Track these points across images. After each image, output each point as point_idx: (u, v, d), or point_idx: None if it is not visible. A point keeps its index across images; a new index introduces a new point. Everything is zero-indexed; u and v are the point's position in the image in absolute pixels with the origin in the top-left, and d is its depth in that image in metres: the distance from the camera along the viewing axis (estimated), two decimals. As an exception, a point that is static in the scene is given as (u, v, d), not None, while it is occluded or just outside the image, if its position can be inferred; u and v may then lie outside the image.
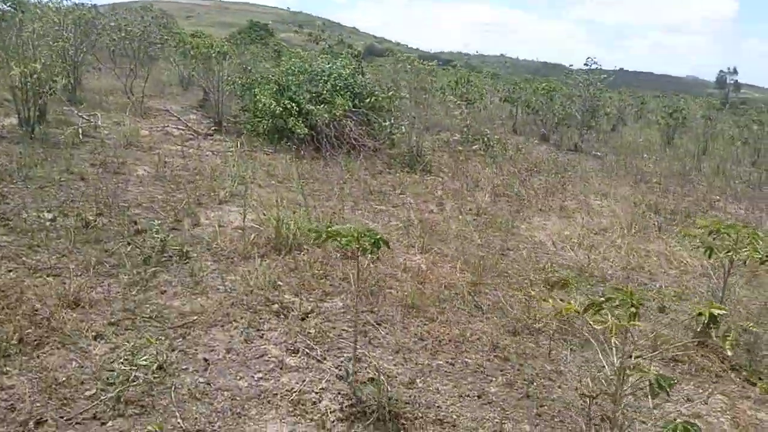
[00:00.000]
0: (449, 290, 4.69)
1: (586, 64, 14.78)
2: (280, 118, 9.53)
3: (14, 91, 7.69)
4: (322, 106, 9.61)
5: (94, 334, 3.45)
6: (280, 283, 4.44)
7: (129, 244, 4.78)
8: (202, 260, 4.68)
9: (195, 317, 3.81)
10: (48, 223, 5.01)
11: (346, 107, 9.70)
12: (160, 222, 5.31)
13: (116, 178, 6.62)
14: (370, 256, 3.42)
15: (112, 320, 3.64)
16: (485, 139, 11.11)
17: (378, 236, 2.88)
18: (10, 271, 4.09)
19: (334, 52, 18.19)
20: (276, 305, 4.08)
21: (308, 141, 9.61)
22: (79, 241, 4.74)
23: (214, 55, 10.65)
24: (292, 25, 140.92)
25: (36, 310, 3.58)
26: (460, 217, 6.81)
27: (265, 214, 5.63)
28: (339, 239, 2.86)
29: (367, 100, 10.05)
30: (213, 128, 10.11)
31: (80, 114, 9.17)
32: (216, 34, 21.55)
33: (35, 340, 3.30)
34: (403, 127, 9.61)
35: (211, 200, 6.25)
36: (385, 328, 4.00)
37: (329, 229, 2.93)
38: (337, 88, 10.11)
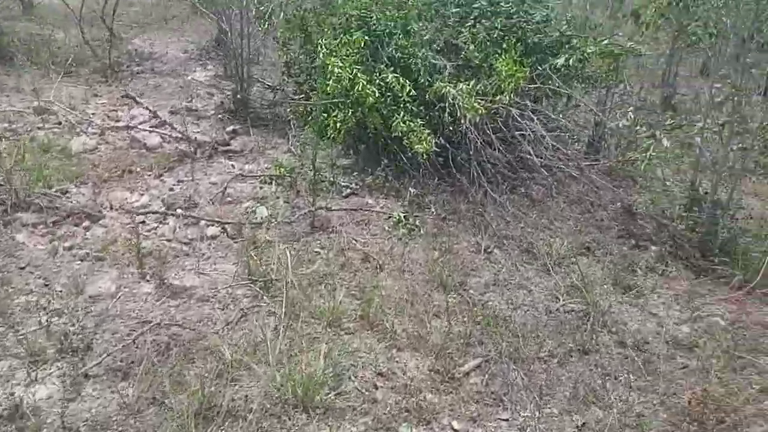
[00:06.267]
0: None
1: None
2: (373, 109, 4.19)
3: None
4: (463, 84, 4.13)
5: None
6: None
7: None
8: None
9: None
10: None
11: (521, 81, 4.18)
12: None
13: None
14: None
15: None
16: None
17: None
18: None
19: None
20: None
21: (433, 161, 4.31)
22: None
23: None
24: None
25: None
26: None
27: None
28: None
29: (559, 62, 4.44)
30: (231, 125, 4.81)
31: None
32: None
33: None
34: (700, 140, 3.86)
35: None
36: None
37: None
38: (494, 35, 4.51)
